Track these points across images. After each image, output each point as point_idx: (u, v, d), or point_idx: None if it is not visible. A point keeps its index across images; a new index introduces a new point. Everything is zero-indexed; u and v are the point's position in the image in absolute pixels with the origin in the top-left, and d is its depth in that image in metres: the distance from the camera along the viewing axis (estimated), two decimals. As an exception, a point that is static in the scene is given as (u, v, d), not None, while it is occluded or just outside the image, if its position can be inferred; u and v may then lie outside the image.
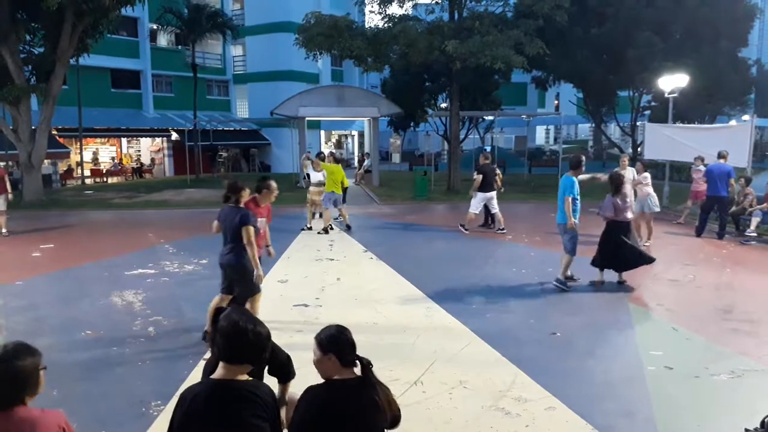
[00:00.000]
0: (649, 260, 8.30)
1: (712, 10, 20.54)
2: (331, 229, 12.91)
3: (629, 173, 10.91)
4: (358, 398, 2.66)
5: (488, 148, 33.25)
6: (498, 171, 13.37)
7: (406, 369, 5.36)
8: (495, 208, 12.88)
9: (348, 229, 13.02)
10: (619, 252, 8.17)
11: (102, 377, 5.32)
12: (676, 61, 18.46)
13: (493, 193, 12.77)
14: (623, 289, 8.22)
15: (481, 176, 12.64)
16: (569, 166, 8.46)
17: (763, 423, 3.55)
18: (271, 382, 3.05)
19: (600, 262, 8.35)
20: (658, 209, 11.40)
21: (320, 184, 12.96)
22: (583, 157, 8.64)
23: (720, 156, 12.05)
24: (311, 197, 13.30)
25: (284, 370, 3.54)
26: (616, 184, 8.20)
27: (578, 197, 8.29)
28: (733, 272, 9.38)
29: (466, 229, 12.78)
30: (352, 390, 2.68)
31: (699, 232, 12.25)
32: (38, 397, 2.45)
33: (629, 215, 8.33)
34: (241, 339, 2.53)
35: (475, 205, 12.83)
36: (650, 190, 11.18)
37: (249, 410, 2.50)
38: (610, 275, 8.47)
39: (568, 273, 8.45)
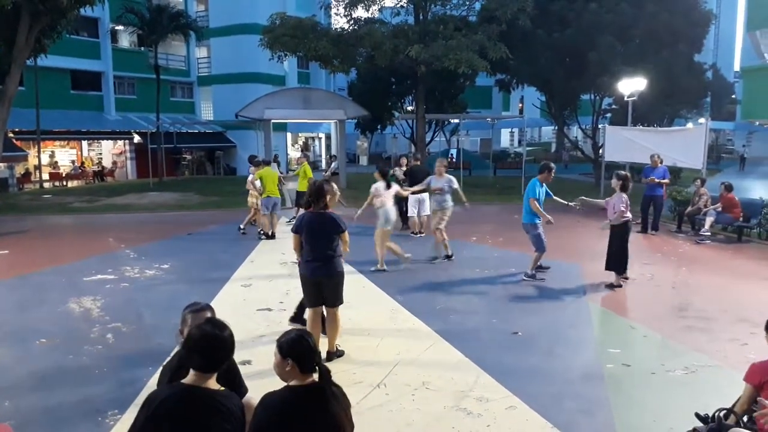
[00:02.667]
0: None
1: (671, 16, 21.10)
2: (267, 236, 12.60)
3: (441, 182, 10.17)
4: (315, 405, 2.65)
5: (454, 151, 33.57)
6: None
7: (369, 371, 5.37)
8: (426, 210, 12.52)
9: (266, 236, 12.56)
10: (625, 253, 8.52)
11: (57, 386, 5.18)
12: (635, 65, 18.90)
13: (424, 195, 12.44)
14: (596, 290, 8.37)
15: (408, 178, 12.69)
16: (538, 171, 8.99)
17: (713, 417, 3.66)
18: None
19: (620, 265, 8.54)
20: (389, 227, 9.53)
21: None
22: (553, 165, 9.10)
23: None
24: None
25: (235, 383, 3.38)
26: (626, 183, 8.48)
27: (542, 199, 8.77)
28: (688, 271, 9.65)
29: (415, 233, 12.72)
30: (309, 396, 2.67)
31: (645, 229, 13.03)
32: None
33: (629, 214, 8.59)
34: (216, 350, 2.60)
35: (410, 208, 12.76)
36: (389, 204, 9.60)
37: (217, 420, 2.50)
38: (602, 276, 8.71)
39: (540, 263, 8.99)
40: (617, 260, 8.48)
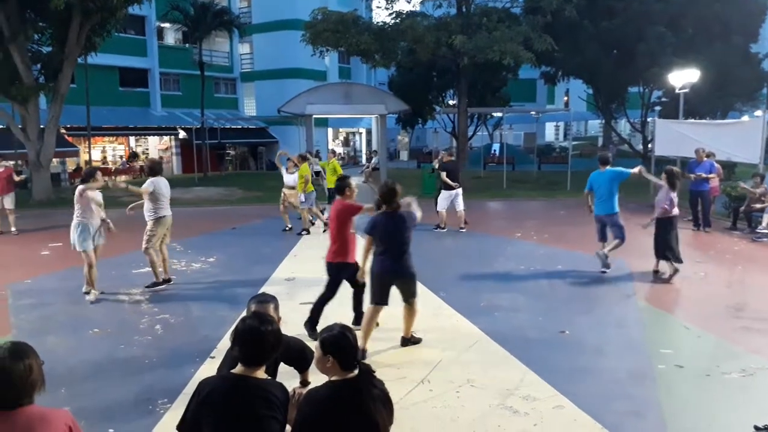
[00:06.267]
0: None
1: (724, 5, 20.33)
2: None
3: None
4: (351, 401, 2.64)
5: (497, 146, 33.18)
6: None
7: (413, 367, 5.33)
8: (460, 205, 12.54)
9: (306, 232, 12.61)
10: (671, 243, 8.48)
11: (109, 375, 5.32)
12: (686, 56, 18.27)
13: (458, 191, 12.46)
14: (646, 288, 8.15)
15: (444, 173, 12.51)
16: (600, 163, 9.01)
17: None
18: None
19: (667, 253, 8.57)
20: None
21: (291, 187, 12.73)
22: (610, 155, 9.28)
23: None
24: (288, 200, 12.91)
25: (300, 357, 3.66)
26: (672, 179, 8.38)
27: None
28: (744, 269, 9.26)
29: (442, 228, 12.56)
30: (347, 392, 2.66)
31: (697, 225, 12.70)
32: (46, 395, 2.44)
33: (676, 210, 8.56)
34: (262, 344, 2.64)
35: (441, 203, 12.59)
36: None
37: (265, 408, 2.55)
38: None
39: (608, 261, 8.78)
40: (663, 248, 8.49)
